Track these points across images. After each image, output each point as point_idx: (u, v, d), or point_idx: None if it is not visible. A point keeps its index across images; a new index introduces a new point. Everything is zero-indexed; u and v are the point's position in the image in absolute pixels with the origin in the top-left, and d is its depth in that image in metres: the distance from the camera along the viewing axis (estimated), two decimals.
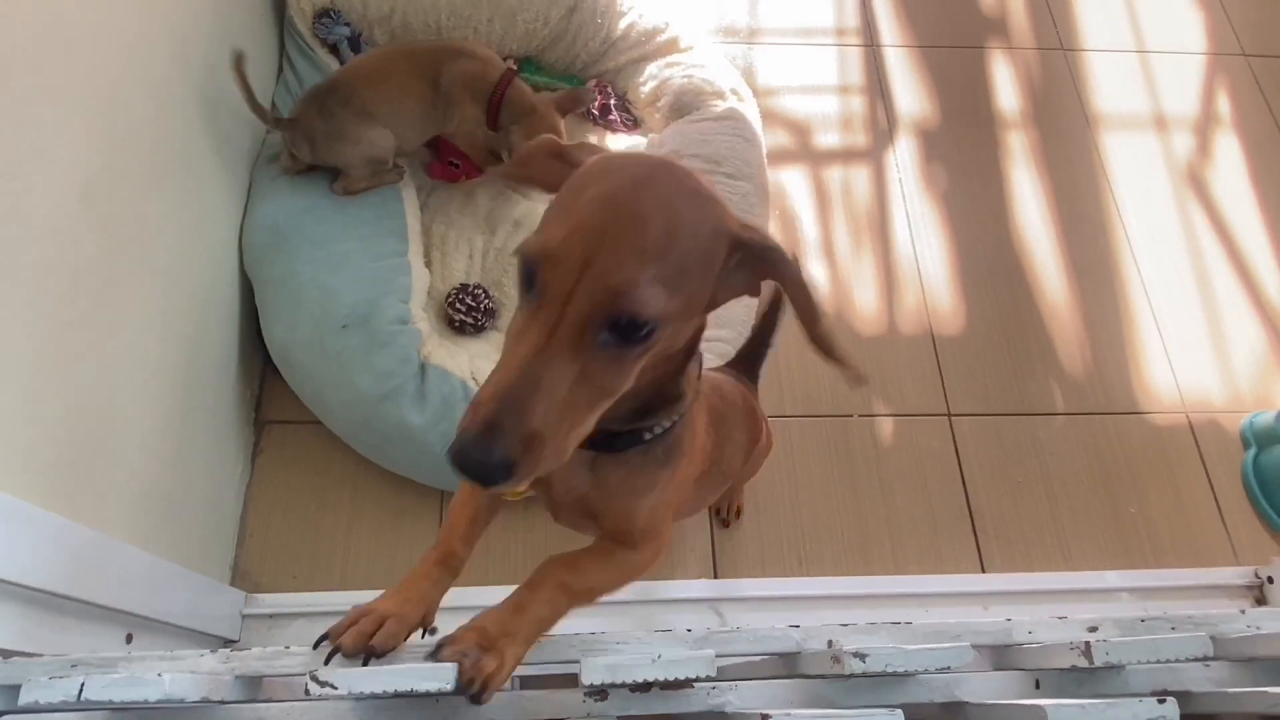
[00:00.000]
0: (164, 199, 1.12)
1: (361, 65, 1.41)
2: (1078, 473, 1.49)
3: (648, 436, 0.67)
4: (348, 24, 1.55)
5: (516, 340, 0.52)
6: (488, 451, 0.49)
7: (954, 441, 1.50)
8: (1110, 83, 1.94)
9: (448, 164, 1.56)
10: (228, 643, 1.23)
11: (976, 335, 1.61)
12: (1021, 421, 1.53)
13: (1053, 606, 1.34)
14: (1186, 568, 1.43)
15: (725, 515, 1.39)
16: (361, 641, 0.64)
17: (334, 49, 1.55)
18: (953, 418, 1.52)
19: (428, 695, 0.57)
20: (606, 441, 0.67)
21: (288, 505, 1.35)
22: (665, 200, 0.52)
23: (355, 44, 1.57)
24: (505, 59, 1.66)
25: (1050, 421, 1.53)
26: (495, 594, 0.66)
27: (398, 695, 0.56)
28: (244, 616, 1.25)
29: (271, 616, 1.26)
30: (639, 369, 0.54)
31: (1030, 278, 1.68)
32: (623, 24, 1.65)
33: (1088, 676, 0.66)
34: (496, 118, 1.42)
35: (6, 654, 0.71)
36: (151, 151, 1.09)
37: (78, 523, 0.87)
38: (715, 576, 1.35)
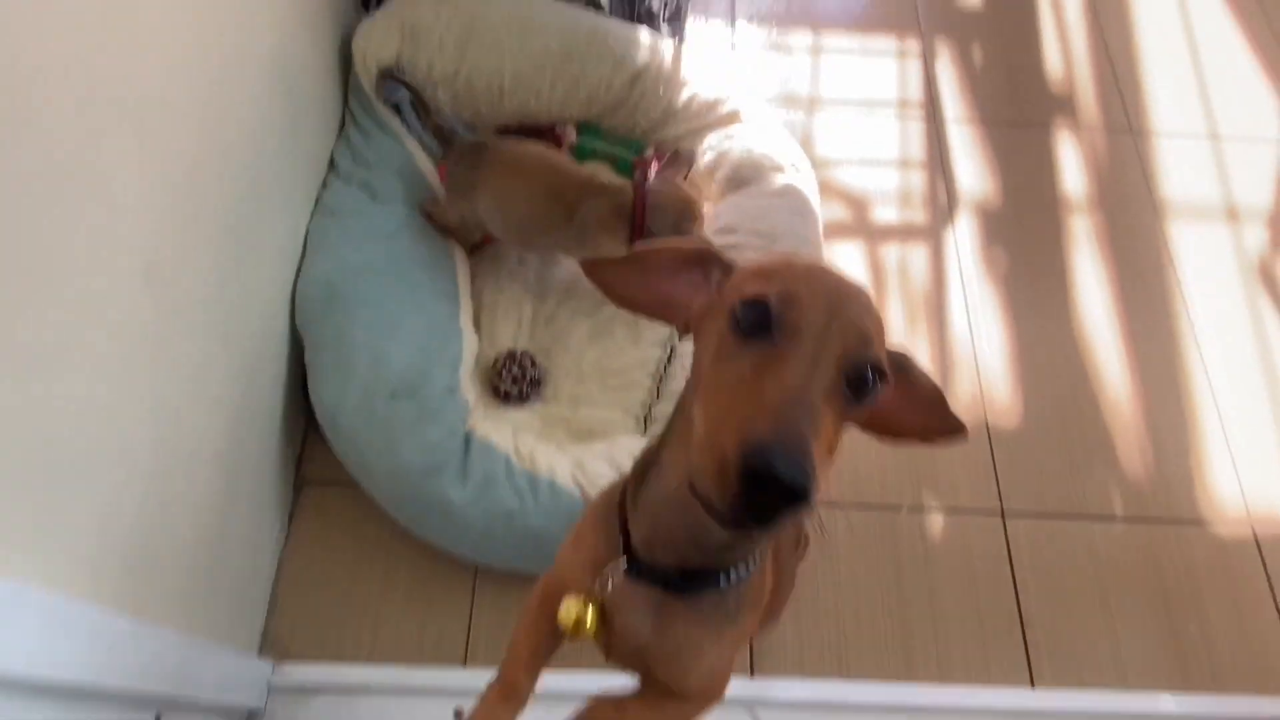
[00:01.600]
0: (223, 265, 1.11)
1: (509, 151, 1.42)
2: (1135, 584, 1.42)
3: (724, 582, 0.63)
4: (411, 85, 1.55)
5: (767, 369, 0.48)
6: (794, 460, 0.43)
7: (1007, 542, 1.44)
8: (1180, 169, 1.89)
9: None
10: (251, 714, 1.21)
11: (1034, 429, 1.55)
12: (1078, 525, 1.47)
13: None
14: (1249, 695, 1.35)
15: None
16: None
17: (396, 108, 1.55)
18: (1006, 517, 1.47)
19: None
20: (679, 581, 0.63)
21: (321, 571, 1.33)
22: (859, 293, 0.54)
23: (419, 104, 1.56)
24: (566, 124, 1.66)
25: (1108, 527, 1.47)
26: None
27: None
28: (270, 688, 1.23)
29: (298, 689, 1.24)
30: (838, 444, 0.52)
31: (1091, 370, 1.63)
32: (685, 94, 1.64)
33: None
34: (642, 234, 1.36)
35: None
36: (215, 221, 1.09)
37: (116, 612, 0.86)
38: (751, 675, 1.30)
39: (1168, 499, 1.51)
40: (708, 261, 0.58)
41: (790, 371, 0.47)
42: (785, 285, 0.50)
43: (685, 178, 1.41)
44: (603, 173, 1.55)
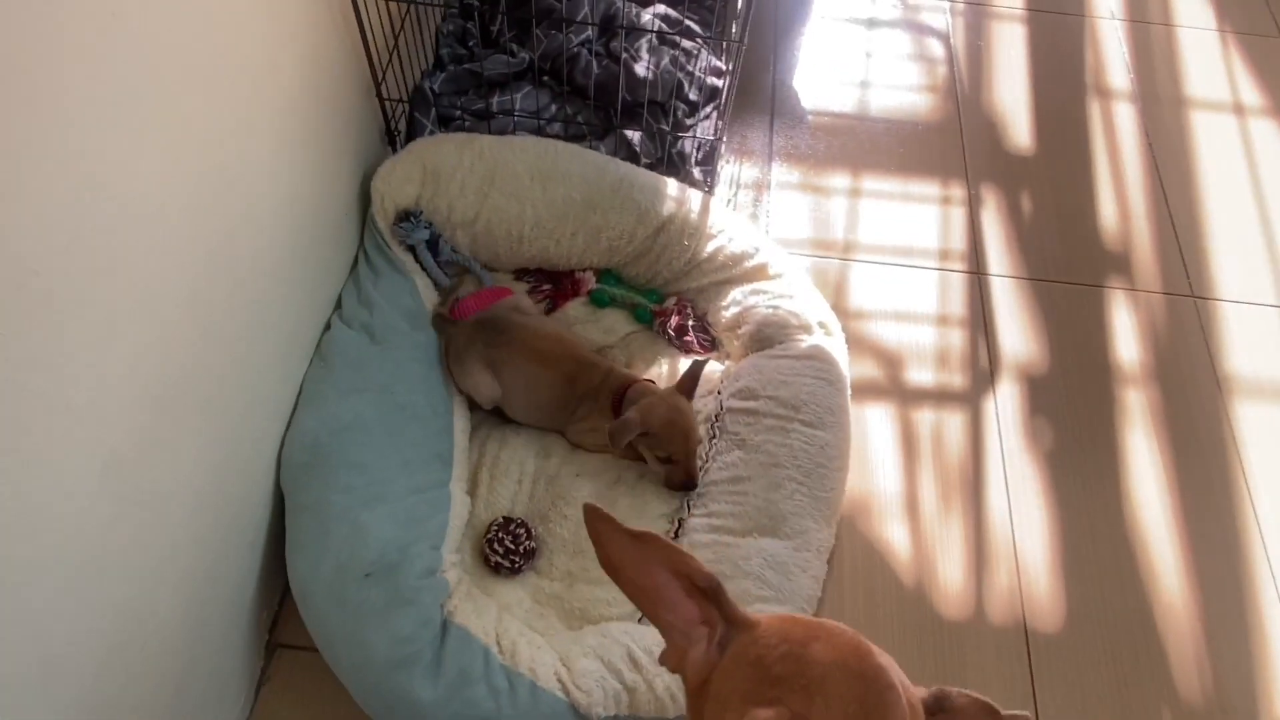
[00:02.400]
0: (203, 443, 1.05)
1: (533, 335, 1.44)
2: None
3: None
4: (429, 225, 1.52)
5: None
6: None
7: None
8: (1247, 340, 1.75)
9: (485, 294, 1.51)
10: None
11: (1077, 637, 1.40)
12: None
13: None
14: None
15: None
16: None
17: (411, 249, 1.51)
18: None
19: None
20: None
21: None
22: (882, 675, 0.50)
23: (434, 246, 1.53)
24: (585, 270, 1.61)
25: None
26: None
27: None
28: None
29: None
30: None
31: (1143, 567, 1.47)
32: (710, 246, 1.57)
33: None
34: (619, 411, 1.40)
35: None
36: (195, 392, 1.03)
37: None
38: None
39: None
40: (713, 601, 0.56)
41: None
42: (798, 710, 0.46)
43: (691, 392, 1.42)
44: (636, 350, 1.59)
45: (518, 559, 1.33)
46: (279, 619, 1.33)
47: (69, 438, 0.81)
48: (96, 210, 0.82)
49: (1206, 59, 2.25)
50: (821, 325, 1.55)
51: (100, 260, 0.83)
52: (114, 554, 0.90)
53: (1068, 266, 1.84)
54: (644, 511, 1.39)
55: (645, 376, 1.48)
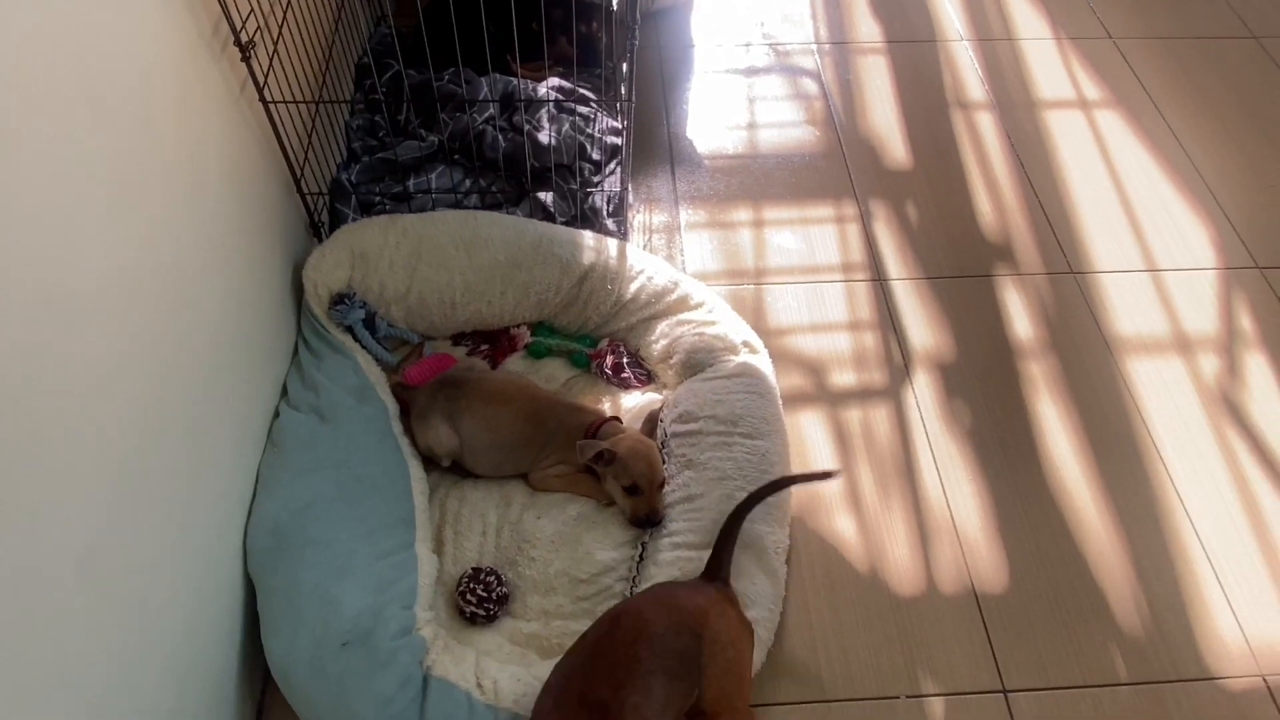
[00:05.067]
0: (165, 529, 1.09)
1: (490, 380, 1.55)
2: None
3: None
4: (363, 305, 1.59)
5: None
6: None
7: None
8: (1126, 304, 1.93)
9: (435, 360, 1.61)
10: None
11: (1023, 593, 1.51)
12: (1083, 695, 1.40)
13: None
14: None
15: None
16: None
17: (349, 330, 1.58)
18: (1008, 694, 1.40)
19: None
20: None
21: None
22: None
23: (370, 323, 1.59)
24: (519, 325, 1.69)
25: (1115, 694, 1.40)
26: None
27: None
28: None
29: None
30: None
31: (1072, 521, 1.60)
32: (633, 287, 1.68)
33: None
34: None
35: None
36: (157, 486, 1.07)
37: None
38: None
39: (1170, 656, 1.44)
40: None
41: None
42: None
43: (653, 433, 1.53)
44: (578, 393, 1.67)
45: (491, 605, 1.37)
46: (264, 707, 1.34)
47: (45, 532, 0.85)
48: (55, 306, 0.88)
49: (1049, 65, 2.50)
50: (746, 345, 1.66)
51: (60, 360, 0.88)
52: (97, 653, 0.93)
53: (957, 263, 2.00)
54: (606, 542, 1.46)
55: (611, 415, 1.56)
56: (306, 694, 1.21)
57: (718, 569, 1.33)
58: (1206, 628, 1.48)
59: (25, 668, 0.81)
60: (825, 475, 1.53)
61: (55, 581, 0.86)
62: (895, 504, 1.61)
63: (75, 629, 0.89)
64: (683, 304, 1.69)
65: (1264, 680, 1.42)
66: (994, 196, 2.15)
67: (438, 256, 1.60)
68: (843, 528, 1.58)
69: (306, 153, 1.65)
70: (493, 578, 1.39)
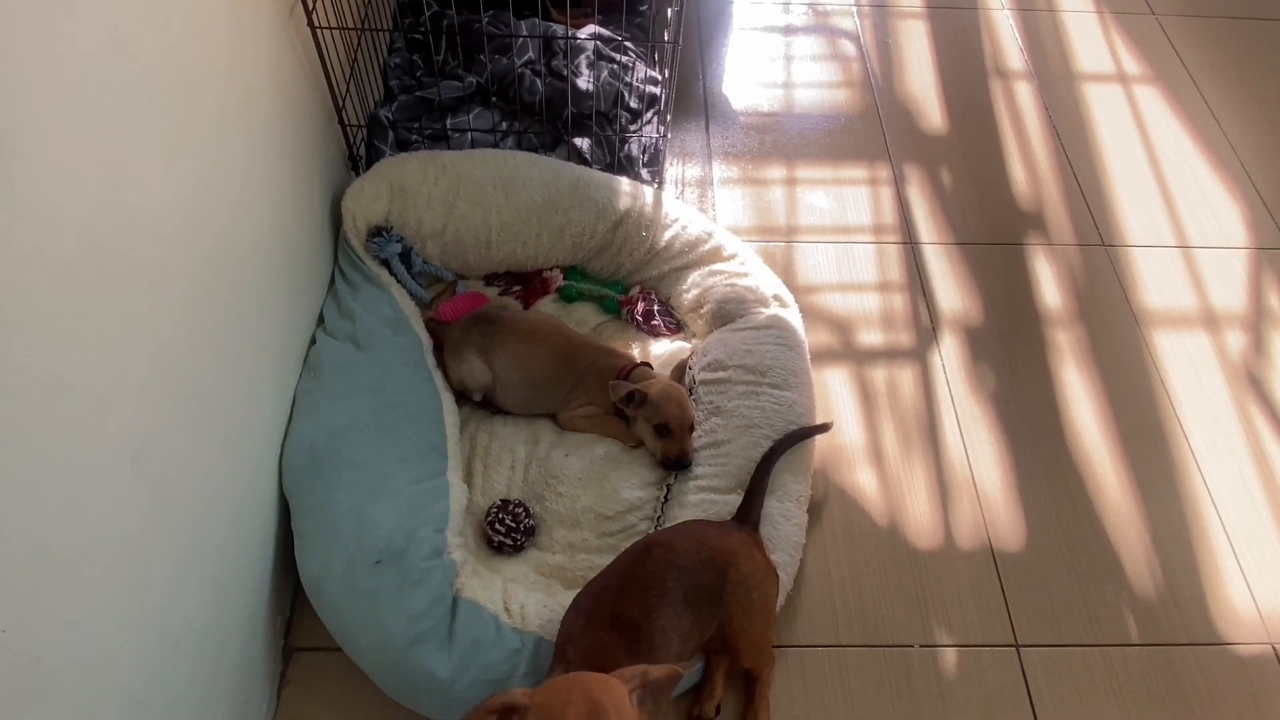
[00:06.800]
0: (209, 440, 1.11)
1: (524, 318, 1.57)
2: (1159, 714, 1.37)
3: None
4: (400, 240, 1.60)
5: None
6: None
7: (1024, 675, 1.39)
8: (1156, 279, 1.93)
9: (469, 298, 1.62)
10: None
11: (1039, 552, 1.53)
12: (1094, 653, 1.42)
13: None
14: None
15: None
16: None
17: (385, 263, 1.59)
18: (1021, 648, 1.42)
19: None
20: None
21: None
22: (604, 697, 0.84)
23: (407, 259, 1.61)
24: (552, 269, 1.70)
25: (1125, 653, 1.43)
26: None
27: None
28: None
29: None
30: None
31: (1091, 487, 1.61)
32: (667, 235, 1.69)
33: None
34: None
35: None
36: (201, 396, 1.09)
37: None
38: None
39: (1182, 619, 1.47)
40: (510, 711, 0.86)
41: None
42: None
43: (681, 380, 1.56)
44: (607, 339, 1.67)
45: (519, 536, 1.40)
46: (293, 624, 1.38)
47: (102, 429, 0.87)
48: (111, 211, 0.89)
49: (1089, 37, 2.48)
50: (777, 298, 1.67)
51: (117, 262, 0.90)
52: (149, 550, 0.96)
53: (989, 230, 2.00)
54: (632, 481, 1.48)
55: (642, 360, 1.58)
56: (338, 609, 1.24)
57: (748, 514, 1.35)
58: (1219, 594, 1.50)
59: (87, 560, 0.84)
60: (823, 428, 1.54)
61: (113, 474, 0.89)
62: (917, 461, 1.63)
63: (130, 524, 0.92)
64: (715, 255, 1.69)
65: (1273, 648, 1.45)
66: (1029, 166, 2.14)
67: (476, 194, 1.61)
68: (864, 482, 1.60)
69: (349, 83, 1.65)
70: (521, 509, 1.41)
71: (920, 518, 1.56)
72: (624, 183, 1.69)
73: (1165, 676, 1.41)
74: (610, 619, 1.10)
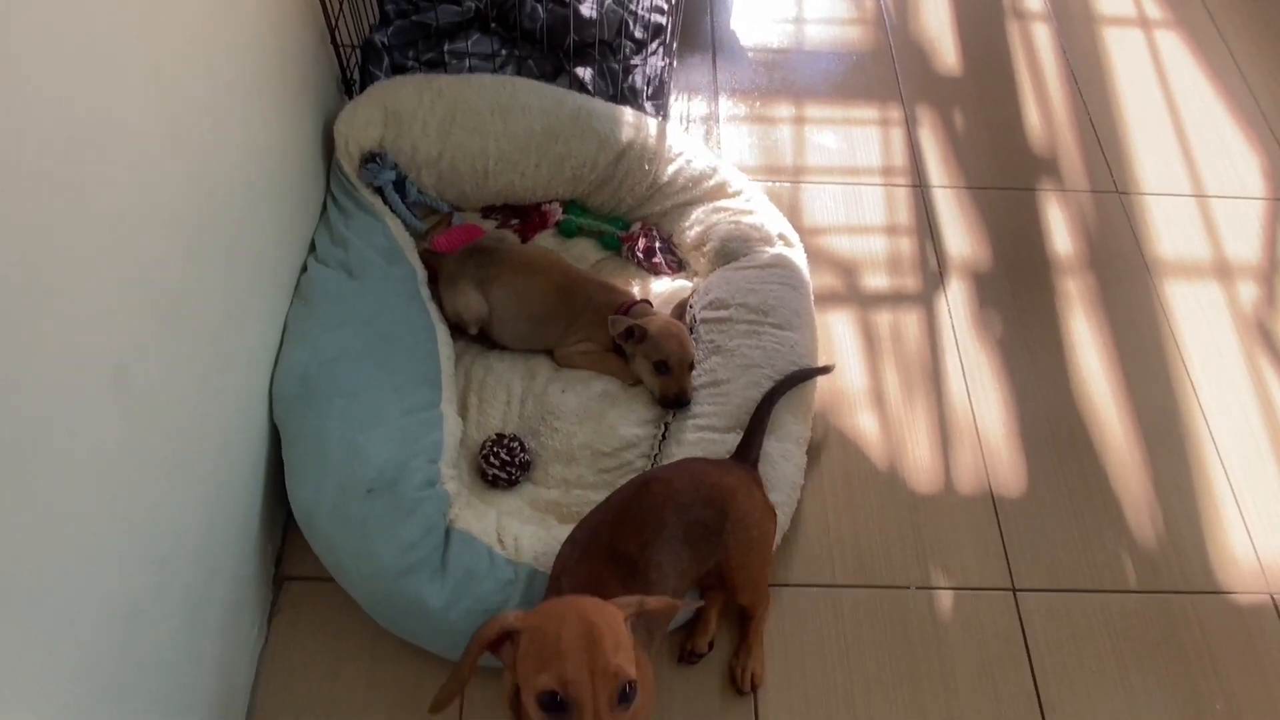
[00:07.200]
0: (198, 362, 1.08)
1: (521, 251, 1.54)
2: (1156, 660, 1.36)
3: None
4: (394, 167, 1.55)
5: None
6: None
7: (1020, 619, 1.38)
8: (1169, 228, 1.89)
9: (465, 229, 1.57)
10: None
11: (1040, 498, 1.51)
12: (1092, 599, 1.41)
13: None
14: None
15: (739, 682, 1.27)
16: None
17: (379, 190, 1.54)
18: (1017, 592, 1.41)
19: None
20: None
21: (302, 676, 1.26)
22: (599, 619, 0.83)
23: (400, 186, 1.56)
24: (551, 202, 1.65)
25: (1123, 600, 1.42)
26: None
27: None
28: None
29: None
30: None
31: (1095, 435, 1.59)
32: (670, 169, 1.64)
33: None
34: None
35: None
36: (191, 317, 1.05)
37: None
38: None
39: (1181, 567, 1.45)
40: (505, 635, 0.86)
41: None
42: (559, 673, 0.79)
43: (682, 319, 1.52)
44: (607, 276, 1.63)
45: (514, 470, 1.37)
46: (283, 553, 1.36)
47: (81, 341, 0.83)
48: (91, 117, 0.84)
49: None
50: (782, 237, 1.63)
51: (98, 169, 0.85)
52: (133, 471, 0.93)
53: (1001, 174, 1.95)
54: (630, 419, 1.45)
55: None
56: (329, 537, 1.22)
57: (747, 452, 1.33)
58: (1220, 544, 1.48)
59: (67, 485, 0.81)
60: (825, 370, 1.51)
61: (91, 395, 0.85)
62: (919, 406, 1.60)
63: (111, 446, 0.89)
64: (720, 191, 1.65)
65: (1272, 599, 1.44)
66: (1044, 110, 2.08)
67: (473, 121, 1.55)
68: (865, 425, 1.57)
69: (342, 3, 1.58)
70: (516, 443, 1.39)
71: (920, 462, 1.54)
72: (627, 113, 1.63)
73: (1163, 624, 1.40)
74: (606, 552, 1.08)
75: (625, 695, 0.80)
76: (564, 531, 1.26)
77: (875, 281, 1.76)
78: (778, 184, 1.89)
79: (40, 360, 0.77)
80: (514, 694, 0.91)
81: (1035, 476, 1.53)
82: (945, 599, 1.40)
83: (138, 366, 0.93)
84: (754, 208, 1.63)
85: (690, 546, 1.13)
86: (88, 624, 0.85)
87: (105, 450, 0.88)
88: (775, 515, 1.28)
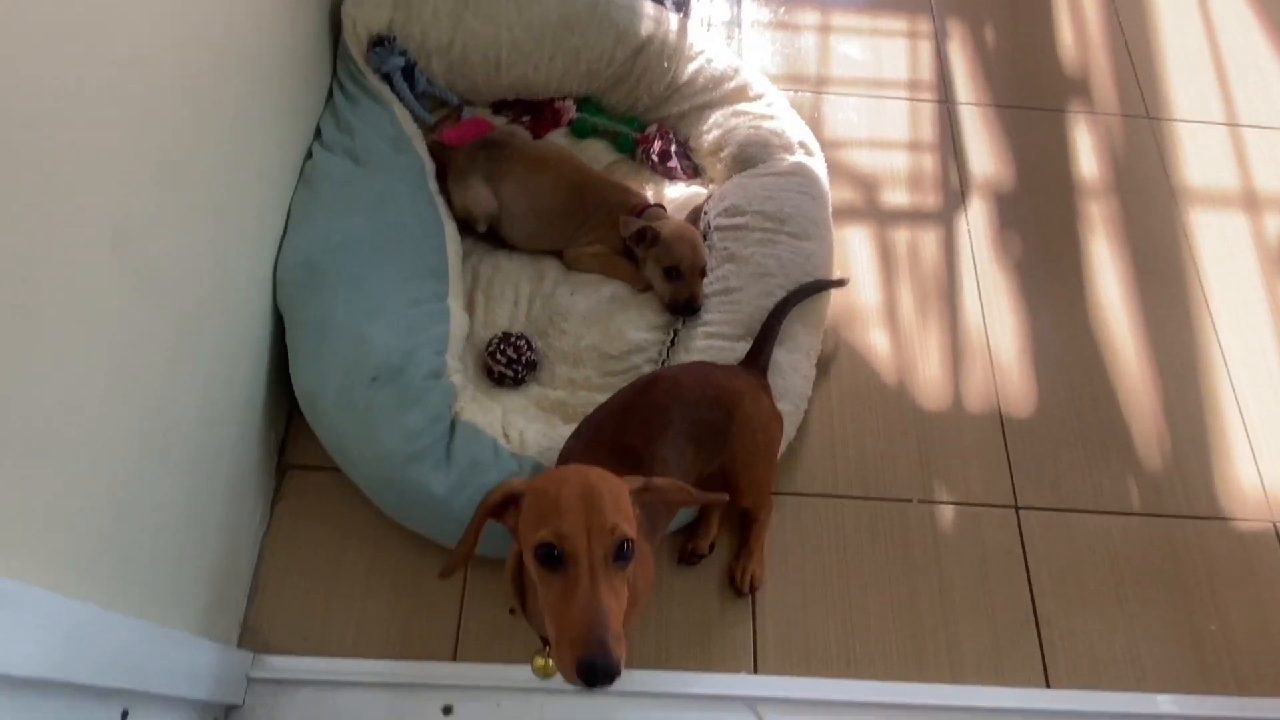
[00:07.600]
0: (199, 236, 1.05)
1: (533, 146, 1.49)
2: (1154, 582, 1.37)
3: None
4: (404, 53, 1.49)
5: (570, 594, 0.77)
6: (610, 665, 0.74)
7: (1020, 536, 1.39)
8: (1198, 155, 1.83)
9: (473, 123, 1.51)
10: (229, 709, 1.15)
11: (1048, 420, 1.50)
12: (1094, 520, 1.41)
13: None
14: (1271, 696, 1.30)
15: (739, 583, 1.28)
16: None
17: (387, 77, 1.48)
18: (1020, 510, 1.41)
19: None
20: None
21: (304, 560, 1.27)
22: (601, 483, 0.82)
23: (409, 74, 1.50)
24: (565, 98, 1.60)
25: (1125, 521, 1.42)
26: None
27: None
28: (250, 680, 1.17)
29: (278, 682, 1.18)
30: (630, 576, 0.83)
31: (1107, 360, 1.57)
32: (690, 68, 1.57)
33: None
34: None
35: None
36: (192, 189, 1.02)
37: (75, 602, 0.80)
38: (755, 671, 1.24)
39: (1186, 492, 1.45)
40: (509, 499, 0.85)
41: (581, 591, 0.77)
42: (556, 527, 0.78)
43: (696, 225, 1.48)
44: (620, 175, 1.59)
45: (520, 369, 1.36)
46: (287, 442, 1.35)
47: (79, 202, 0.80)
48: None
49: None
50: (802, 145, 1.58)
51: (93, 30, 0.81)
52: (136, 342, 0.91)
53: (1031, 93, 1.89)
54: (639, 324, 1.43)
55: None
56: (333, 424, 1.21)
57: (757, 359, 1.31)
58: (1226, 471, 1.48)
59: (69, 345, 0.79)
60: (840, 282, 1.48)
61: (90, 254, 0.82)
62: (932, 324, 1.58)
63: (113, 314, 0.86)
64: (741, 93, 1.59)
65: (1274, 526, 1.44)
66: (1078, 30, 2.00)
67: (486, 7, 1.49)
68: (876, 341, 1.55)
69: None
70: (523, 342, 1.37)
71: (930, 379, 1.52)
72: (648, 6, 1.56)
73: (1163, 547, 1.40)
74: (611, 445, 1.07)
75: (622, 553, 0.79)
76: (569, 431, 1.24)
77: (895, 197, 1.72)
78: (799, 93, 1.82)
79: (36, 211, 0.74)
80: (516, 567, 0.91)
81: (1045, 397, 1.52)
82: (947, 513, 1.40)
83: (139, 231, 0.90)
84: (775, 113, 1.58)
85: (695, 445, 1.12)
86: (87, 493, 0.84)
87: (107, 317, 0.86)
88: (782, 421, 1.27)
